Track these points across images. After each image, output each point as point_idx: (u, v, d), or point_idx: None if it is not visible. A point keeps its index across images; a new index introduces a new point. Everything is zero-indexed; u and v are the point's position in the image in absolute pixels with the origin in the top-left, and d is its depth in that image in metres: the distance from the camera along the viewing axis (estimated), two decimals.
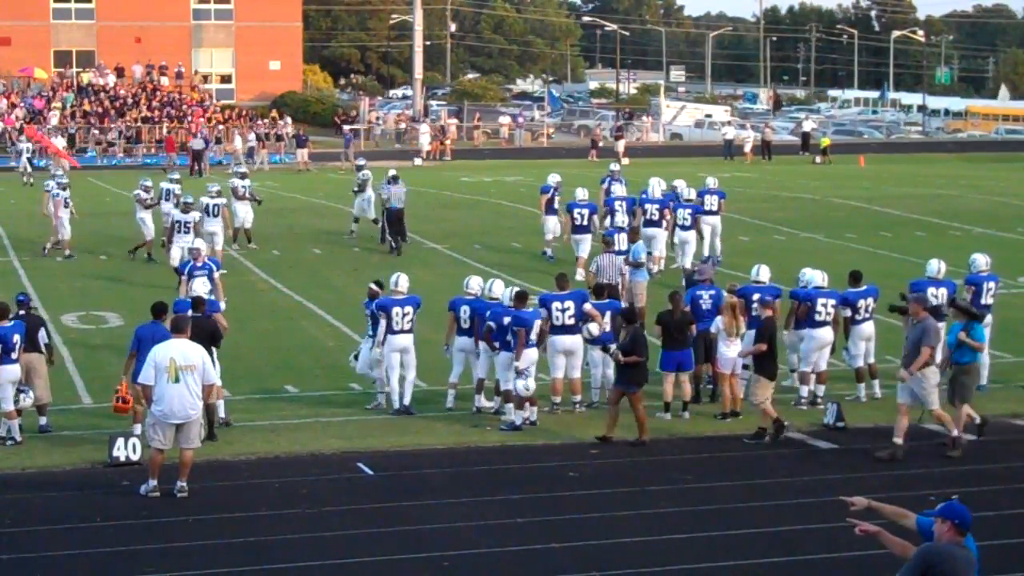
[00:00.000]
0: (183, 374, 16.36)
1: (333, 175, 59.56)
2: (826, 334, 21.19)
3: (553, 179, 36.08)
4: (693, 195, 33.51)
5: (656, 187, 33.58)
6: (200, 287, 23.36)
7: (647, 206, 32.68)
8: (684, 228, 32.52)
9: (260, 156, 64.49)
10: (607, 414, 19.32)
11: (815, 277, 21.44)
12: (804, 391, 21.24)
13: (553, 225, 34.98)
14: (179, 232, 31.64)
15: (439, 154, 70.25)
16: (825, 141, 71.99)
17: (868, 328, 21.51)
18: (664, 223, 32.54)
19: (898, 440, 18.33)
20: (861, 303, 21.37)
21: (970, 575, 9.98)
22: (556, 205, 35.16)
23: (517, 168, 62.54)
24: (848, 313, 21.41)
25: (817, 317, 21.11)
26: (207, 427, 18.51)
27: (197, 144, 62.68)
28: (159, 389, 16.34)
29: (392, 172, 37.99)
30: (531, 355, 19.92)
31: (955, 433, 18.55)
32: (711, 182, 35.39)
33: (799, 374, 21.36)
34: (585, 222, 32.55)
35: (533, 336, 19.90)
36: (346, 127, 71.74)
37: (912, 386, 18.36)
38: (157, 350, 16.63)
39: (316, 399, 21.30)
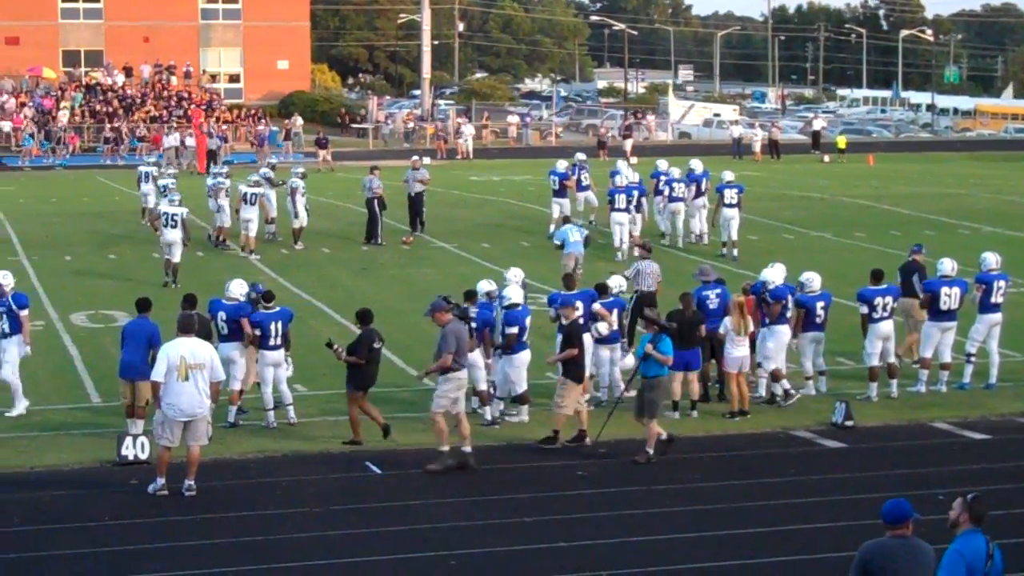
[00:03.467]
0: (192, 372, 16.44)
1: (343, 175, 59.59)
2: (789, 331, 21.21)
3: (562, 164, 39.12)
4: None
5: (629, 174, 37.11)
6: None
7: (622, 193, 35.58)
8: (729, 206, 35.10)
9: (186, 156, 64.08)
10: (361, 419, 19.16)
11: (779, 276, 21.32)
12: (778, 388, 21.06)
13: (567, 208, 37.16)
14: (167, 226, 31.33)
15: (445, 153, 70.38)
16: (842, 141, 71.94)
17: (886, 327, 21.39)
18: (631, 208, 35.59)
19: (444, 448, 17.79)
20: (879, 301, 21.26)
21: (919, 566, 10.10)
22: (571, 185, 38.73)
23: (525, 167, 62.52)
24: (865, 310, 21.34)
25: (788, 314, 21.13)
26: None
27: (213, 143, 62.91)
28: (169, 386, 16.39)
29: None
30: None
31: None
32: (727, 175, 36.43)
33: (771, 372, 21.03)
34: (635, 202, 35.56)
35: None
36: (260, 125, 70.59)
37: (436, 391, 17.97)
38: (168, 348, 16.71)
39: (324, 398, 21.29)
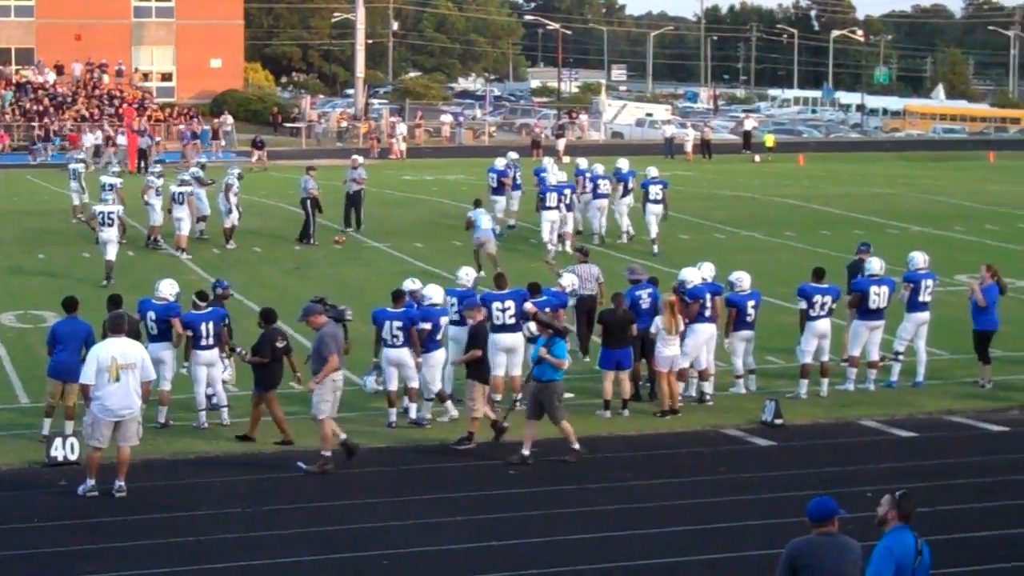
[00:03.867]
0: (123, 372, 16.34)
1: (276, 174, 59.38)
2: (709, 329, 21.22)
3: (501, 162, 39.53)
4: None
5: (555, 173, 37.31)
6: None
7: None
8: (655, 202, 35.61)
9: (107, 155, 63.51)
10: (251, 415, 19.19)
11: (696, 276, 21.41)
12: (692, 389, 21.23)
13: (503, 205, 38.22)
14: (103, 224, 31.46)
15: (378, 152, 70.29)
16: (770, 140, 72.35)
17: (823, 325, 21.51)
18: (562, 207, 35.48)
19: (327, 452, 17.78)
20: (818, 299, 21.38)
21: (845, 562, 10.27)
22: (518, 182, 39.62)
23: (459, 167, 62.52)
24: (804, 306, 21.47)
25: (706, 312, 21.14)
26: None
27: (144, 143, 62.56)
28: (100, 387, 16.28)
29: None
30: (391, 355, 19.78)
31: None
32: (652, 171, 37.11)
33: (678, 372, 20.94)
34: (567, 201, 35.68)
35: (386, 336, 19.79)
36: (181, 124, 70.56)
37: (313, 395, 17.95)
38: (98, 349, 16.59)
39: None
